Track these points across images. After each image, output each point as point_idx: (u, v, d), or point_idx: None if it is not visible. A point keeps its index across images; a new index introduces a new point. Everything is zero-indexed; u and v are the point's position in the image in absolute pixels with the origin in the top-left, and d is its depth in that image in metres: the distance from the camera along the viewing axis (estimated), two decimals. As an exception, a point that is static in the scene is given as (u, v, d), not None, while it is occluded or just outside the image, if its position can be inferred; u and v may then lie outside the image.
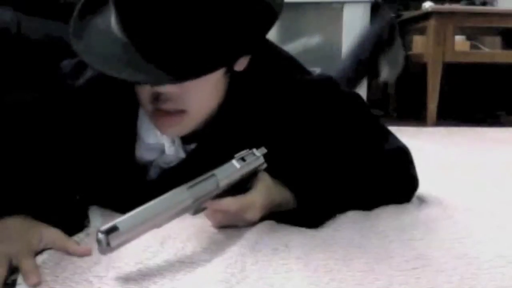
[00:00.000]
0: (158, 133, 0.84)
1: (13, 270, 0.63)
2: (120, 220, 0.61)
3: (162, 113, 0.76)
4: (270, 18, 0.72)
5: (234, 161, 0.76)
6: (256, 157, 0.79)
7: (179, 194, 0.68)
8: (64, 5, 1.02)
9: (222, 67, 0.72)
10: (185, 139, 0.85)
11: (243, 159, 0.77)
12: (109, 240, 0.59)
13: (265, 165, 0.81)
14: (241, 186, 0.77)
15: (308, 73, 0.94)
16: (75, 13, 0.75)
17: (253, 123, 0.84)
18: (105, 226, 0.60)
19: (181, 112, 0.76)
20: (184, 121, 0.77)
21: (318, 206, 0.82)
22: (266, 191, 0.79)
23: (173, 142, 0.85)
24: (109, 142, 0.84)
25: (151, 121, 0.80)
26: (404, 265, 0.66)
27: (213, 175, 0.72)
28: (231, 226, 0.78)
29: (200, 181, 0.71)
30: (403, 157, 0.94)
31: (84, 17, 0.75)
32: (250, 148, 0.80)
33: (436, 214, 0.90)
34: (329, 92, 0.90)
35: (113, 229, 0.60)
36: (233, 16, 0.69)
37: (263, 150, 0.80)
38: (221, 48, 0.69)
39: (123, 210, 0.65)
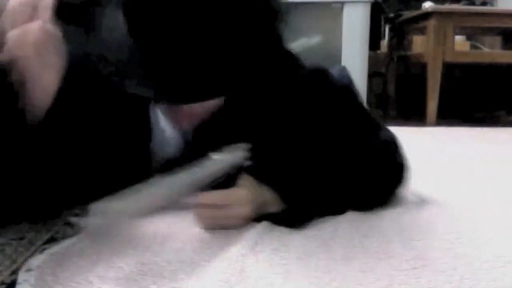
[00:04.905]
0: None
1: (14, 270, 0.63)
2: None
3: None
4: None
5: (210, 155, 0.76)
6: (235, 150, 0.78)
7: (155, 184, 0.69)
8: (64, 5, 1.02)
9: (231, 92, 0.74)
10: None
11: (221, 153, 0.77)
12: None
13: (248, 162, 0.80)
14: (225, 186, 0.77)
15: (302, 66, 0.92)
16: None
17: (246, 115, 0.84)
18: None
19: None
20: (201, 115, 0.79)
21: (304, 205, 0.81)
22: (251, 186, 0.79)
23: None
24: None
25: (165, 116, 0.82)
26: (404, 265, 0.66)
27: (189, 167, 0.73)
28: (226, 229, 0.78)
29: (177, 173, 0.72)
30: (392, 148, 0.93)
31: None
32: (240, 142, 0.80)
33: (436, 214, 0.90)
34: (319, 86, 0.89)
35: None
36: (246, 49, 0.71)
37: (245, 145, 0.80)
38: (233, 76, 0.71)
39: None
